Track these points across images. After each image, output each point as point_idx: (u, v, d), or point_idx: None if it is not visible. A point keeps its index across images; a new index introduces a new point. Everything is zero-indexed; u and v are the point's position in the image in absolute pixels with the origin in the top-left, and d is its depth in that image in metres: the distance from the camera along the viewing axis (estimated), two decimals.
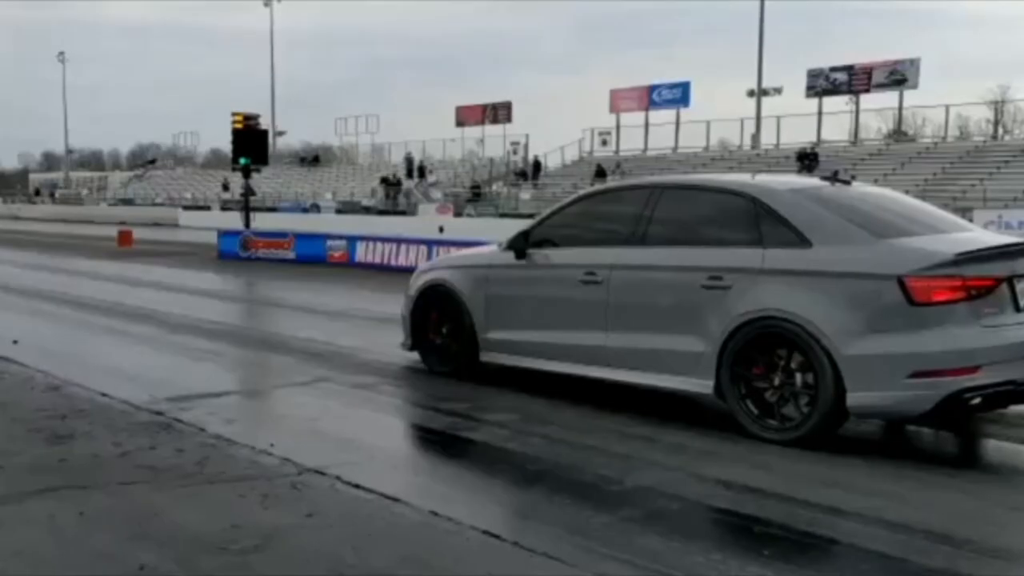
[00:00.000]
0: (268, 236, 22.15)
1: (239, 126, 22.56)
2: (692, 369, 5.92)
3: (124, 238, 26.57)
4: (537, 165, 45.99)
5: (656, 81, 45.27)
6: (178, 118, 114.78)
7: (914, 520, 4.24)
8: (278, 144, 55.91)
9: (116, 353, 9.11)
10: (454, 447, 5.74)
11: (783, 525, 4.21)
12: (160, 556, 3.76)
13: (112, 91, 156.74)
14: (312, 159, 60.76)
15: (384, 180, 46.88)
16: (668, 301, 6.10)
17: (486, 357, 7.23)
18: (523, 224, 7.57)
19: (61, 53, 75.84)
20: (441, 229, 28.53)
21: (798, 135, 39.59)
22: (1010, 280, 5.37)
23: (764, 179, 7.22)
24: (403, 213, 40.56)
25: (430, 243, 18.30)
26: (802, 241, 5.64)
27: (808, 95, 40.27)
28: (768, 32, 43.24)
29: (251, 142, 22.83)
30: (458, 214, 38.55)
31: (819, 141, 39.23)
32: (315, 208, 44.63)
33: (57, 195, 71.77)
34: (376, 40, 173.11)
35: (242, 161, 22.73)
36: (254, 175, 23.78)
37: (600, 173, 41.65)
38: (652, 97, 44.86)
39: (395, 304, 8.49)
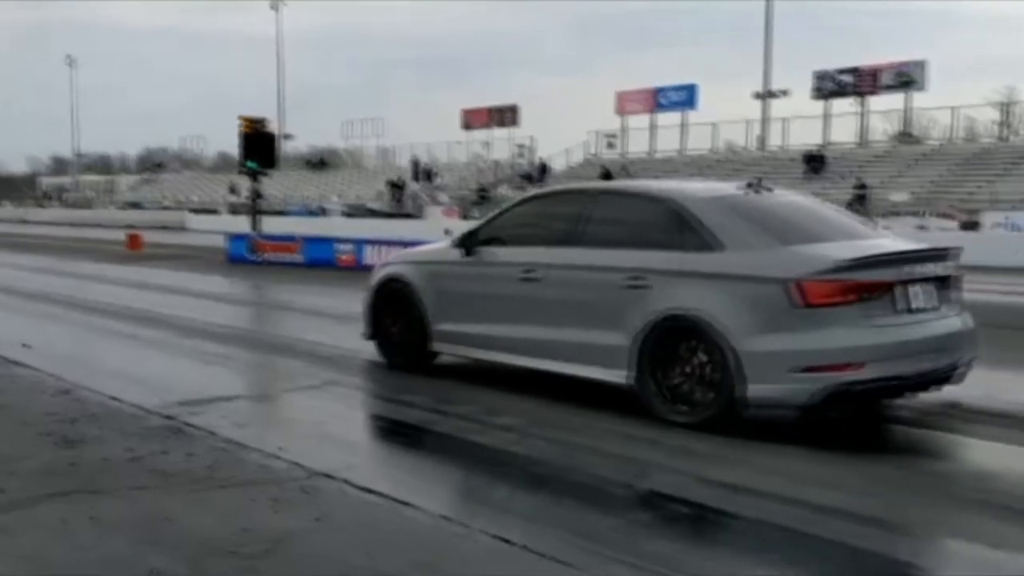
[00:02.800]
0: (276, 240, 22.21)
1: (247, 130, 22.64)
2: (615, 361, 6.33)
3: (133, 241, 26.66)
4: (543, 168, 46.02)
5: (662, 83, 45.29)
6: (185, 121, 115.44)
7: (843, 504, 4.50)
8: (285, 147, 55.97)
9: (126, 357, 9.15)
10: (463, 451, 5.75)
11: (783, 526, 4.24)
12: (171, 560, 3.78)
13: (120, 94, 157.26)
14: (319, 162, 60.88)
15: (391, 183, 46.94)
16: (596, 298, 6.53)
17: (436, 347, 7.68)
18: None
19: (69, 56, 76.24)
20: (447, 231, 28.53)
21: (805, 137, 39.57)
22: (900, 284, 5.87)
23: (688, 186, 7.56)
24: (410, 216, 40.63)
25: None
26: (715, 246, 6.09)
27: (814, 97, 40.21)
28: (774, 34, 43.26)
29: (258, 146, 22.90)
30: (465, 217, 38.59)
31: (826, 143, 39.18)
32: (322, 211, 44.71)
33: (66, 198, 72.04)
34: (382, 43, 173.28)
35: (249, 165, 22.81)
36: (262, 179, 23.83)
37: (606, 175, 41.61)
38: (658, 99, 44.85)
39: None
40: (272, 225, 28.30)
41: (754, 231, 6.13)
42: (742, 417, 5.79)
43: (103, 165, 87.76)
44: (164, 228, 42.36)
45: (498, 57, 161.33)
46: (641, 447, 5.64)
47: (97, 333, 10.88)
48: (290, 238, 22.14)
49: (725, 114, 42.47)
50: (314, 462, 5.10)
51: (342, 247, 20.26)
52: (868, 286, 5.74)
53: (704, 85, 44.69)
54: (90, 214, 57.48)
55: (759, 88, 43.16)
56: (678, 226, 6.31)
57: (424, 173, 49.33)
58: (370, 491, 4.65)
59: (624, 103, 45.97)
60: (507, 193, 43.90)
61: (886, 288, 5.81)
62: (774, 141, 41.74)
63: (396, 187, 46.23)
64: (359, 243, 20.05)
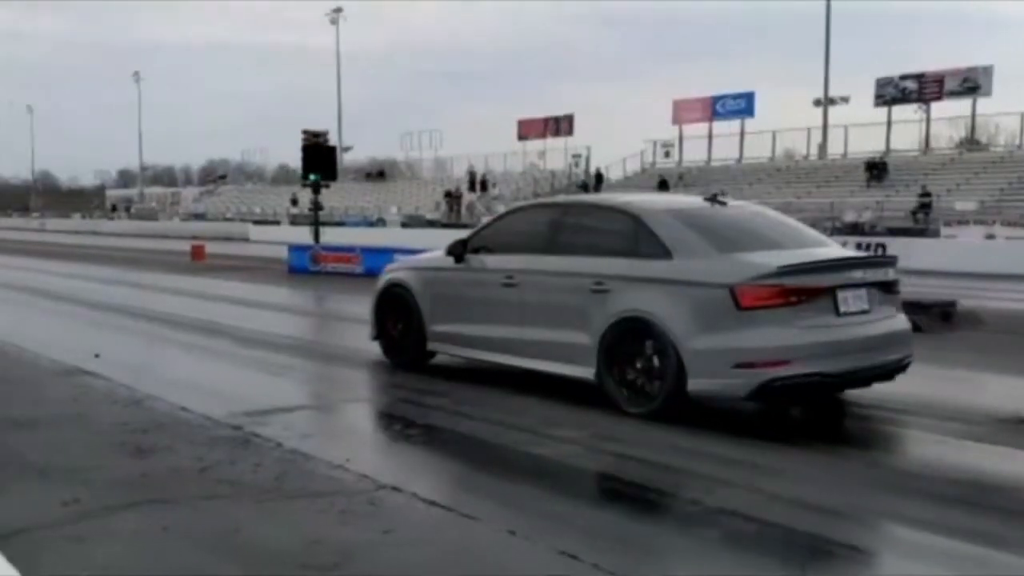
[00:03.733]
0: (336, 251, 22.45)
1: (308, 143, 22.95)
2: (583, 359, 6.94)
3: (197, 253, 27.17)
4: (599, 177, 45.90)
5: (719, 91, 44.92)
6: (247, 134, 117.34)
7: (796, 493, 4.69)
8: (344, 159, 56.60)
9: (192, 367, 9.32)
10: (527, 464, 5.70)
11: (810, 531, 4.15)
12: (243, 572, 3.82)
13: (183, 109, 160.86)
14: (377, 174, 61.49)
15: (447, 194, 47.22)
16: (566, 302, 7.17)
17: (431, 347, 8.38)
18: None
19: (136, 73, 78.15)
20: None
21: (866, 144, 38.89)
22: (831, 289, 6.39)
23: (647, 199, 8.55)
24: (466, 226, 40.73)
25: None
26: (665, 254, 6.71)
27: (876, 104, 39.52)
28: (834, 40, 42.68)
29: (320, 158, 23.21)
30: None
31: (888, 150, 38.47)
32: (381, 222, 45.11)
33: (132, 210, 73.77)
34: (440, 55, 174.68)
35: (311, 177, 23.12)
36: (322, 190, 24.12)
37: (663, 185, 41.40)
38: (715, 107, 44.50)
39: None
40: (331, 236, 28.64)
41: (700, 241, 6.70)
42: (686, 409, 6.39)
43: (168, 177, 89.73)
44: (226, 239, 43.09)
45: (554, 67, 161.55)
46: (689, 458, 5.59)
47: (164, 343, 11.09)
48: (349, 249, 22.34)
49: (784, 122, 41.90)
50: (380, 474, 5.13)
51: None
52: (797, 291, 6.25)
53: (762, 93, 44.10)
54: (155, 226, 58.77)
55: (819, 95, 42.60)
56: (635, 236, 6.95)
57: (480, 183, 49.53)
58: (437, 504, 4.65)
59: (681, 111, 45.69)
60: None
61: (816, 293, 6.33)
62: (835, 149, 41.10)
63: (453, 198, 46.49)
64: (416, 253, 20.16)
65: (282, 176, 71.73)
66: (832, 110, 42.25)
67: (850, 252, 7.32)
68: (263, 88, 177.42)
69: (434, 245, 23.98)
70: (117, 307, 14.51)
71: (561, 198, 9.85)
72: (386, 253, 21.08)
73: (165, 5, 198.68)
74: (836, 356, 6.32)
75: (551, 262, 7.38)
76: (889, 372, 6.79)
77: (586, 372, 6.94)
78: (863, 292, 6.61)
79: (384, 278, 9.06)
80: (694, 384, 6.32)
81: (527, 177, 50.46)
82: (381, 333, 8.89)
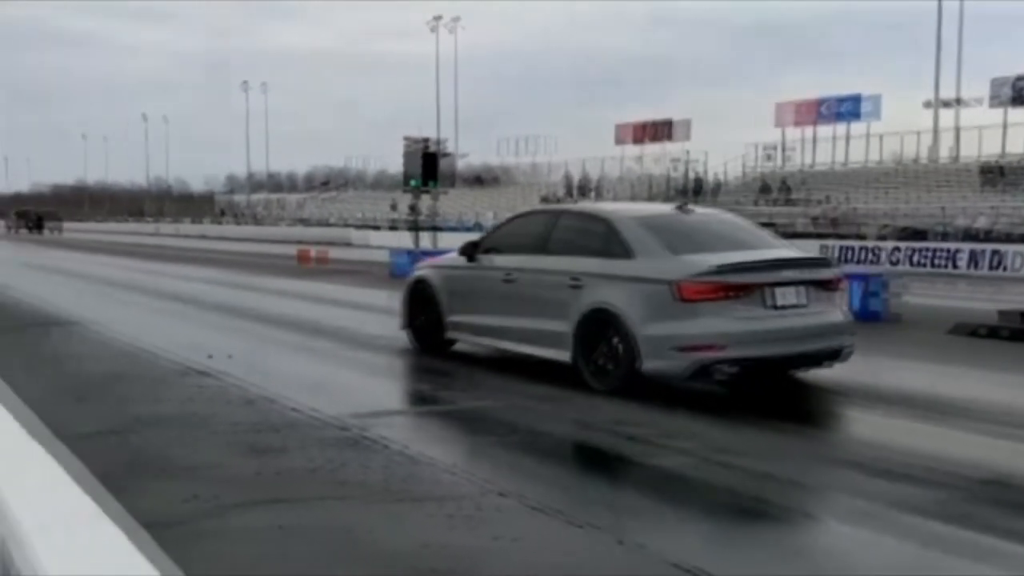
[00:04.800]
0: (437, 255, 22.70)
1: (411, 149, 23.34)
2: (563, 344, 7.97)
3: (302, 257, 27.87)
4: (699, 182, 45.36)
5: (824, 94, 43.88)
6: (350, 141, 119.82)
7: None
8: (445, 165, 57.29)
9: (300, 367, 9.56)
10: (642, 473, 5.65)
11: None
12: (359, 574, 3.90)
13: (289, 116, 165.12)
14: (477, 179, 62.05)
15: (544, 199, 47.34)
16: (550, 296, 8.22)
17: (449, 335, 9.48)
18: None
19: (245, 81, 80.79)
20: None
21: (981, 148, 37.42)
22: (763, 286, 7.35)
23: (622, 207, 10.54)
24: None
25: None
26: (629, 254, 7.78)
27: (992, 105, 38.01)
28: (947, 41, 41.23)
29: (422, 164, 23.57)
30: None
31: (1004, 154, 36.92)
32: (478, 227, 45.49)
33: (239, 215, 76.18)
34: (537, 60, 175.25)
35: (412, 183, 23.51)
36: (423, 196, 24.49)
37: (765, 189, 40.69)
38: (820, 110, 43.52)
39: None
40: (431, 241, 28.97)
41: (656, 243, 7.79)
42: (641, 385, 7.35)
43: (273, 183, 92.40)
44: (330, 244, 44.00)
45: (656, 72, 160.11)
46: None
47: (272, 344, 11.42)
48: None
49: (893, 125, 40.55)
50: (487, 479, 5.17)
51: None
52: (731, 286, 7.26)
53: (870, 95, 42.74)
54: (261, 230, 60.50)
55: (930, 97, 41.21)
56: (607, 239, 8.05)
57: (578, 189, 49.49)
58: (544, 511, 4.65)
59: (784, 115, 44.81)
60: None
61: (748, 288, 7.31)
62: (948, 152, 39.65)
63: (550, 203, 46.58)
64: None
65: (384, 181, 73.04)
66: (945, 113, 40.82)
67: (791, 254, 8.30)
68: (367, 95, 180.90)
69: None
70: (228, 308, 14.99)
71: (553, 206, 13.01)
72: None
73: (274, 15, 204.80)
74: (765, 343, 7.31)
75: (541, 261, 8.51)
76: (820, 359, 7.74)
77: (565, 356, 7.98)
78: (797, 288, 7.55)
79: (412, 275, 10.37)
80: (646, 365, 7.34)
81: (623, 182, 50.20)
82: (410, 323, 10.02)
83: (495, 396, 7.75)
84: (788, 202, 38.75)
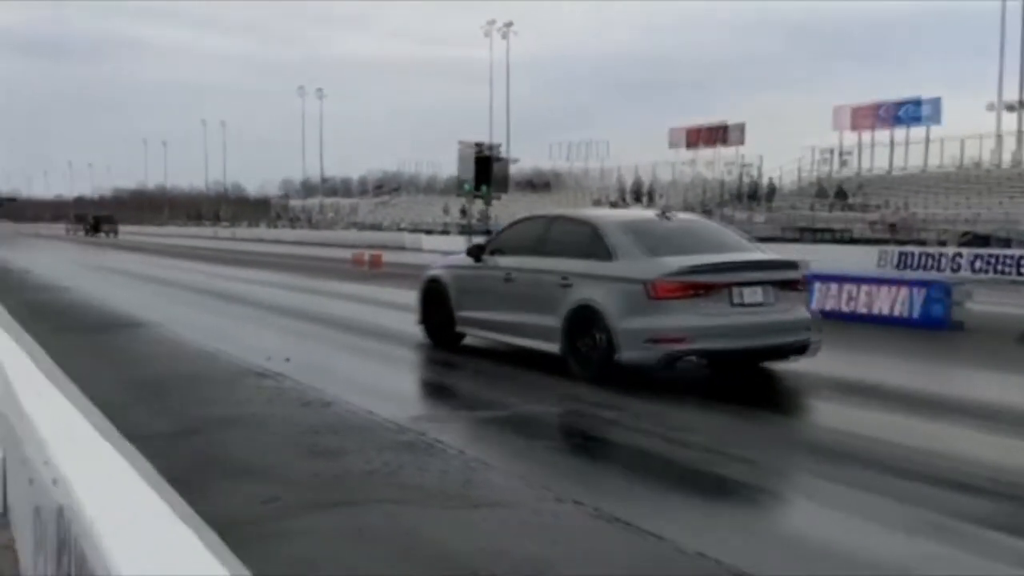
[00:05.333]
0: None
1: (467, 154, 23.43)
2: (551, 337, 8.76)
3: (357, 260, 28.12)
4: (754, 186, 44.84)
5: (886, 97, 43.09)
6: (407, 146, 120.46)
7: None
8: (498, 169, 57.44)
9: (356, 369, 9.66)
10: (718, 486, 5.52)
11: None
12: None
13: (345, 121, 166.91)
14: (533, 183, 62.03)
15: (598, 203, 47.17)
16: (543, 294, 8.96)
17: (459, 329, 10.28)
18: None
19: (301, 87, 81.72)
20: None
21: None
22: (728, 285, 8.10)
23: (609, 213, 12.00)
24: None
25: None
26: (610, 256, 8.54)
27: None
28: (1010, 41, 40.26)
29: (478, 169, 23.65)
30: None
31: None
32: None
33: (298, 220, 77.10)
34: (595, 64, 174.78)
35: (467, 187, 23.60)
36: (480, 200, 24.57)
37: (821, 193, 40.08)
38: (879, 113, 42.74)
39: None
40: None
41: (636, 246, 8.56)
42: (618, 373, 8.10)
43: (329, 188, 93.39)
44: (383, 248, 44.26)
45: (717, 75, 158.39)
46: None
47: (328, 345, 11.53)
48: None
49: (955, 129, 39.59)
50: (561, 487, 5.13)
51: None
52: (697, 285, 8.02)
53: (934, 97, 41.88)
54: (316, 234, 61.14)
55: (993, 100, 40.25)
56: (592, 242, 8.80)
57: (633, 193, 49.24)
58: (619, 520, 4.59)
59: (843, 118, 44.10)
60: (718, 211, 43.08)
61: (713, 288, 8.05)
62: (1011, 156, 38.66)
63: (605, 207, 46.39)
64: None
65: (442, 186, 73.42)
66: (1008, 116, 39.81)
67: (758, 256, 9.01)
68: (422, 100, 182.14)
69: None
70: (285, 310, 15.16)
71: (549, 212, 12.62)
72: None
73: (333, 23, 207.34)
74: (729, 337, 8.08)
75: (537, 262, 9.29)
76: (785, 353, 8.51)
77: (554, 347, 8.76)
78: (763, 288, 8.28)
79: (426, 275, 11.11)
80: (623, 355, 8.11)
81: (677, 187, 49.83)
82: (424, 319, 10.77)
83: (549, 401, 7.72)
84: (845, 207, 38.12)
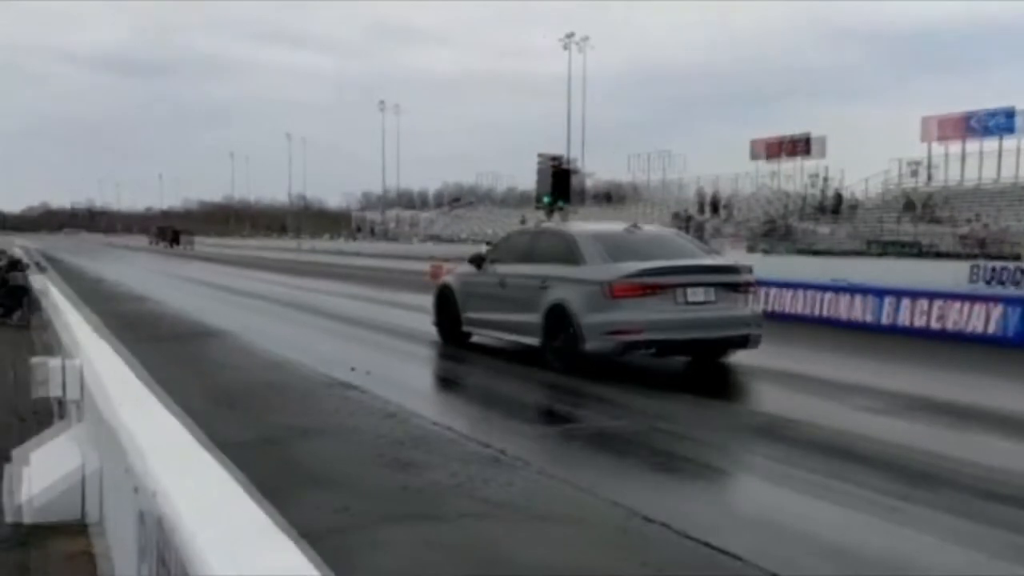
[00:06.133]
0: None
1: (544, 166, 23.47)
2: (534, 333, 10.09)
3: (434, 273, 28.22)
4: (839, 198, 43.87)
5: (975, 107, 41.79)
6: (481, 159, 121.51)
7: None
8: (575, 182, 57.35)
9: (437, 381, 9.76)
10: (813, 511, 5.36)
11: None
12: None
13: (423, 134, 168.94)
14: (606, 196, 61.82)
15: (677, 215, 46.73)
16: (527, 296, 10.25)
17: (465, 329, 11.66)
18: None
19: (381, 102, 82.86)
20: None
21: None
22: (675, 286, 9.35)
23: (583, 225, 13.18)
24: None
25: None
26: (580, 262, 9.88)
27: None
28: None
29: (555, 181, 23.68)
30: (751, 249, 37.51)
31: None
32: None
33: (375, 231, 78.19)
34: (672, 77, 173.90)
35: (545, 200, 23.62)
36: (556, 212, 24.55)
37: (909, 206, 39.02)
38: (969, 124, 41.41)
39: None
40: None
41: (602, 253, 9.86)
42: (582, 361, 9.41)
43: (408, 200, 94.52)
44: (460, 260, 44.52)
45: (793, 88, 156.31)
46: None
47: (408, 357, 11.66)
48: None
49: None
50: (632, 501, 5.09)
51: None
52: (648, 286, 9.30)
53: None
54: (395, 246, 61.86)
55: None
56: (567, 250, 10.19)
57: (711, 205, 48.67)
58: (690, 537, 4.54)
59: (931, 129, 42.87)
60: (798, 225, 42.29)
61: (663, 288, 9.32)
62: None
63: (682, 220, 45.96)
64: None
65: (514, 199, 73.67)
66: None
67: (705, 262, 10.23)
68: (499, 114, 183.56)
69: None
70: (373, 323, 15.32)
71: (535, 226, 14.85)
72: None
73: (411, 39, 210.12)
74: (676, 330, 9.31)
75: (523, 269, 10.66)
76: (728, 344, 9.80)
77: (536, 341, 10.10)
78: (706, 289, 9.50)
79: (439, 282, 12.88)
80: (587, 346, 9.40)
81: (759, 198, 49.08)
82: (438, 320, 12.21)
83: (629, 416, 7.66)
84: (933, 220, 37.03)
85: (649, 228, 11.89)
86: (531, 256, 10.78)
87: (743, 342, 9.73)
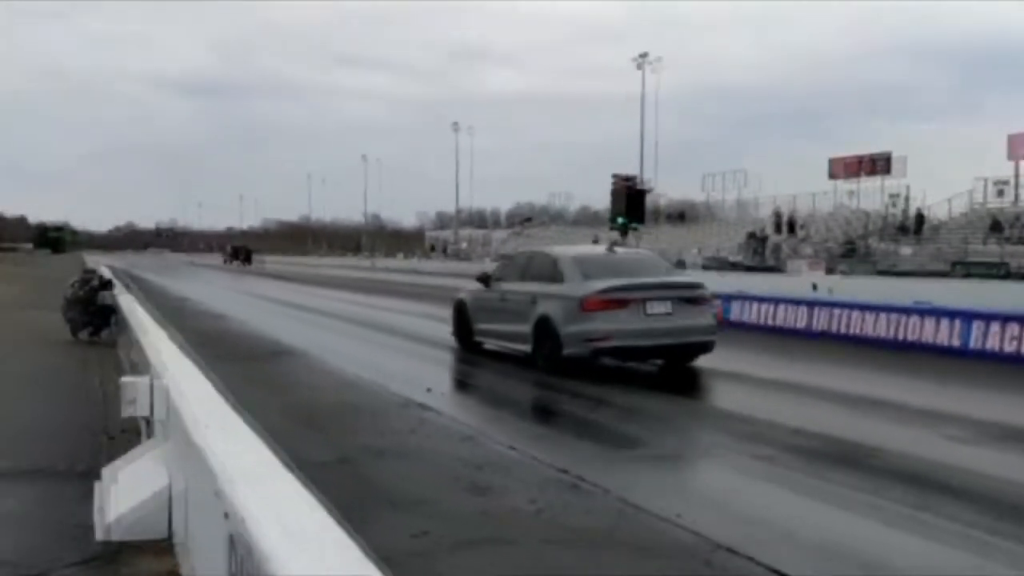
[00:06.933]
0: None
1: (618, 187, 23.38)
2: (527, 341, 11.62)
3: None
4: (920, 218, 42.75)
5: None
6: (552, 179, 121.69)
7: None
8: (649, 200, 57.00)
9: (513, 404, 9.69)
10: (901, 543, 5.18)
11: None
12: None
13: (495, 156, 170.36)
14: (679, 215, 61.30)
15: (751, 235, 46.07)
16: (521, 309, 11.89)
17: (476, 339, 13.35)
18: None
19: (455, 124, 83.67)
20: (815, 287, 27.33)
21: None
22: (640, 300, 10.90)
23: (569, 248, 15.21)
24: (772, 269, 39.44)
25: (808, 303, 17.57)
26: (562, 280, 11.54)
27: None
28: None
29: (628, 201, 23.56)
30: (830, 271, 36.72)
31: None
32: (681, 264, 44.83)
33: (448, 251, 78.80)
34: (745, 96, 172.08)
35: (620, 220, 23.50)
36: (630, 232, 24.40)
37: (996, 227, 37.81)
38: None
39: (779, 371, 12.07)
40: None
41: (578, 272, 11.52)
42: (563, 364, 10.93)
43: (479, 220, 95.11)
44: None
45: (871, 106, 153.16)
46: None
47: (481, 378, 11.71)
48: None
49: None
50: (715, 533, 4.96)
51: None
52: (616, 300, 10.87)
53: None
54: (468, 265, 62.06)
55: None
56: (552, 270, 11.92)
57: (787, 225, 47.88)
58: (777, 572, 4.41)
59: (1018, 147, 41.58)
60: (878, 245, 41.30)
61: (628, 302, 10.88)
62: None
63: (757, 239, 45.29)
64: (726, 298, 19.67)
65: (584, 218, 73.56)
66: None
67: (667, 279, 11.98)
68: (571, 133, 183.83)
69: (737, 287, 23.55)
70: (445, 343, 15.34)
71: (528, 249, 17.08)
72: None
73: (485, 60, 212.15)
74: (638, 337, 10.84)
75: (519, 286, 12.38)
76: (688, 349, 11.35)
77: (527, 349, 11.65)
78: (667, 302, 11.04)
79: (456, 298, 14.28)
80: (565, 351, 10.97)
81: (837, 218, 48.11)
82: (455, 331, 13.97)
83: (704, 445, 7.50)
84: (1021, 241, 35.82)
85: (625, 250, 14.29)
86: (525, 275, 12.53)
87: (701, 348, 11.30)
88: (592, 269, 11.53)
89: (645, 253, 14.75)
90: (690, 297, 11.34)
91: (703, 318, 11.37)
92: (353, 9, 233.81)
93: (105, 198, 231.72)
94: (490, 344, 13.06)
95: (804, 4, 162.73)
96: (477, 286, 13.71)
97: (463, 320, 13.73)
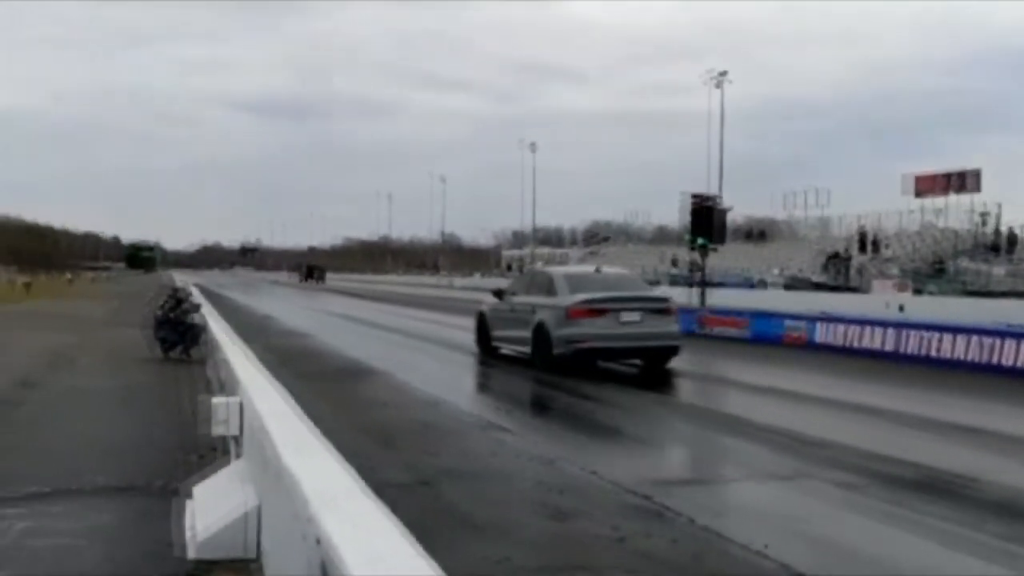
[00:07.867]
0: (724, 314, 22.12)
1: (696, 206, 23.06)
2: (528, 344, 14.08)
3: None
4: (1012, 237, 41.27)
5: None
6: (627, 197, 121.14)
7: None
8: (718, 218, 56.17)
9: (593, 427, 9.54)
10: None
11: None
12: None
13: (570, 175, 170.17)
14: (758, 234, 60.32)
15: (834, 255, 45.04)
16: (524, 318, 14.38)
17: (493, 344, 15.67)
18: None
19: (533, 144, 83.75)
20: (901, 308, 26.59)
21: None
22: (615, 310, 13.51)
23: (563, 268, 20.35)
24: (855, 290, 38.50)
25: (894, 324, 17.07)
26: (555, 294, 14.11)
27: None
28: None
29: (706, 221, 23.22)
30: (917, 291, 35.68)
31: None
32: (762, 284, 44.06)
33: (523, 270, 78.97)
34: (825, 111, 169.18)
35: (699, 241, 23.16)
36: (706, 251, 24.03)
37: None
38: None
39: (861, 394, 11.73)
40: (714, 298, 28.33)
41: (567, 287, 14.12)
42: (554, 363, 13.33)
43: (555, 238, 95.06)
44: None
45: (957, 121, 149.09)
46: None
47: (561, 400, 11.55)
48: (738, 313, 21.87)
49: None
50: (802, 565, 4.80)
51: (791, 324, 19.56)
52: (595, 310, 13.37)
53: None
54: None
55: None
56: (548, 285, 14.57)
57: (871, 244, 46.68)
58: None
59: None
60: (968, 265, 39.97)
61: (605, 311, 13.39)
62: None
63: (840, 259, 44.25)
64: (811, 320, 19.22)
65: (660, 237, 72.88)
66: None
67: (639, 294, 14.78)
68: (643, 152, 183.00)
69: (822, 308, 23.09)
70: (516, 362, 15.28)
71: (533, 268, 22.32)
72: (777, 319, 20.36)
73: (556, 79, 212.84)
74: (612, 340, 13.36)
75: (523, 299, 14.91)
76: (657, 352, 13.82)
77: (528, 350, 14.02)
78: (637, 312, 13.55)
79: (478, 310, 16.73)
80: (555, 352, 13.34)
81: (924, 236, 46.73)
82: (478, 339, 16.28)
83: (803, 471, 7.26)
84: None
85: (609, 269, 17.53)
86: (529, 289, 15.20)
87: (668, 351, 13.82)
88: (579, 284, 14.19)
89: (625, 272, 18.02)
90: (657, 308, 14.06)
91: (668, 326, 13.93)
92: (421, 29, 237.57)
93: (189, 217, 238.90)
94: (505, 349, 15.25)
95: (876, 14, 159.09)
96: (494, 300, 16.05)
97: (483, 328, 16.18)
